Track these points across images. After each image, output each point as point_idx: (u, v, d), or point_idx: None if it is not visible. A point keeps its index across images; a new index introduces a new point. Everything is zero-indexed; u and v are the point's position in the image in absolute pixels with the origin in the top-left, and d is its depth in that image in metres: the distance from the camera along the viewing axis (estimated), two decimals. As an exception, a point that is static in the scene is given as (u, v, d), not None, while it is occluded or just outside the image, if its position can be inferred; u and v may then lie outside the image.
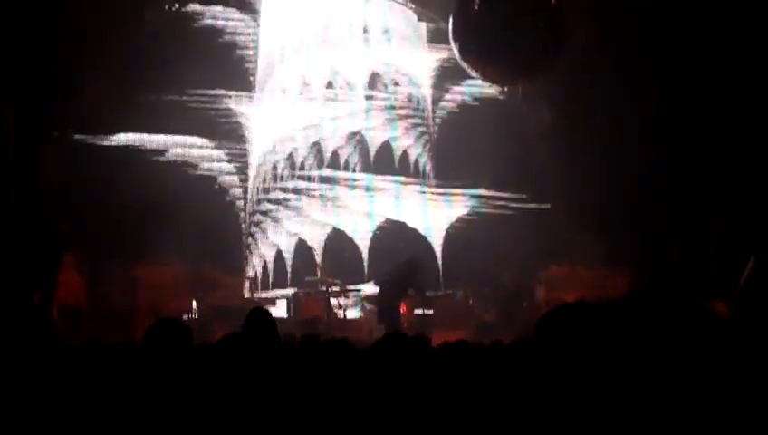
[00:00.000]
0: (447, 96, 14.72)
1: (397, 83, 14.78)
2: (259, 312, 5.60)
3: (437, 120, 14.72)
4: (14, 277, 9.58)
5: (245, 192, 14.11)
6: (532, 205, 14.05)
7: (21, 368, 3.21)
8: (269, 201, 14.26)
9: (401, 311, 11.56)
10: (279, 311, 12.63)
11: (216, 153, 13.94)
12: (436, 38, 14.42)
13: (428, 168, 14.62)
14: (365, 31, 14.73)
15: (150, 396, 3.37)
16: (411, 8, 14.77)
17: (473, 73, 11.78)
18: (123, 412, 3.20)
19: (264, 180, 14.27)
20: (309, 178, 14.42)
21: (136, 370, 3.63)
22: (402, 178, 14.53)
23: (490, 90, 14.23)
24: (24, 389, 3.13)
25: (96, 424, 3.10)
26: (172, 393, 3.44)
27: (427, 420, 3.27)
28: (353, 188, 14.48)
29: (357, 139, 14.60)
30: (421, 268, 11.65)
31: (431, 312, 12.70)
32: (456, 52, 11.41)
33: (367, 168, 14.55)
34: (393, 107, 14.74)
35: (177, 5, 13.84)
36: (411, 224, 14.37)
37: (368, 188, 14.49)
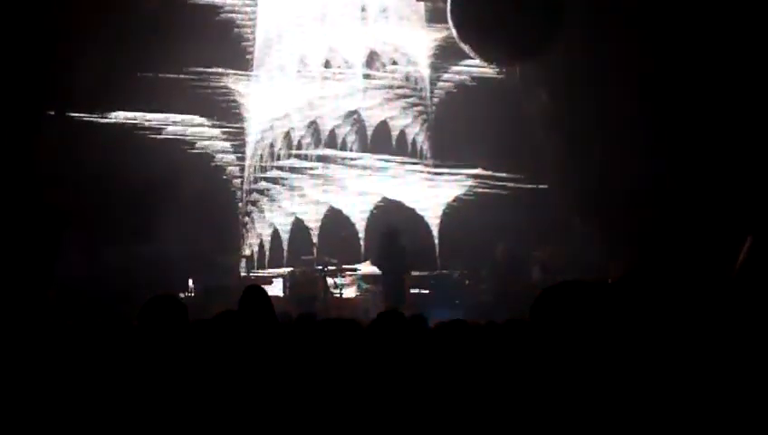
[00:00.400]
0: (445, 76, 14.68)
1: (395, 63, 14.73)
2: (254, 289, 5.61)
3: (435, 100, 14.69)
4: (12, 257, 9.58)
5: (242, 171, 14.10)
6: (529, 185, 14.04)
7: (17, 344, 3.22)
8: (266, 180, 14.25)
9: (406, 284, 11.66)
10: (275, 290, 12.65)
11: (213, 131, 13.92)
12: (435, 17, 14.37)
13: (426, 147, 14.60)
14: (363, 10, 14.67)
15: (146, 372, 3.38)
16: (409, -13, 14.72)
17: (471, 54, 11.75)
18: (120, 389, 3.21)
19: (261, 159, 14.25)
20: (306, 157, 14.40)
21: (131, 347, 3.64)
22: (399, 158, 14.52)
23: (488, 70, 14.19)
24: (21, 364, 3.14)
25: (92, 400, 3.11)
26: (167, 370, 3.45)
27: (424, 396, 3.28)
28: (350, 167, 14.47)
29: (354, 118, 14.57)
30: (398, 234, 11.69)
31: (427, 291, 12.74)
32: (454, 32, 11.38)
33: (364, 147, 14.53)
34: (391, 86, 14.70)
35: (174, -17, 13.76)
36: (408, 203, 14.37)
37: (365, 168, 14.47)
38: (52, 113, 12.63)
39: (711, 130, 11.63)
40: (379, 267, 11.85)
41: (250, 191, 14.14)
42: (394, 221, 12.57)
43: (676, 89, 11.77)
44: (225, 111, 13.97)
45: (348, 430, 3.08)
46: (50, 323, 3.82)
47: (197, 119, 13.82)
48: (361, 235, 14.09)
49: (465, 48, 11.55)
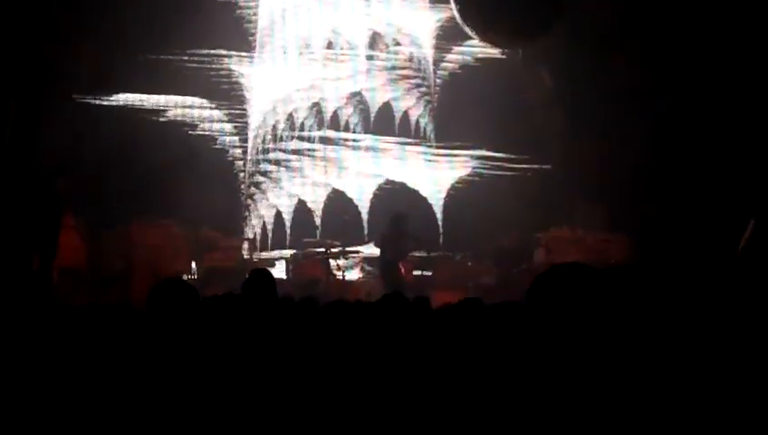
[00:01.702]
0: (449, 56, 14.61)
1: (398, 43, 14.66)
2: (260, 273, 5.61)
3: (439, 81, 14.63)
4: (13, 238, 9.58)
5: (245, 153, 14.07)
6: (534, 166, 14.01)
7: (20, 329, 3.21)
8: (269, 162, 14.22)
9: (401, 271, 11.59)
10: (278, 272, 12.64)
11: (215, 114, 13.88)
12: (438, -3, 14.31)
13: (429, 128, 14.56)
14: (365, -10, 14.59)
15: (153, 357, 3.37)
16: (413, -33, 14.62)
17: (473, 36, 11.70)
18: (123, 373, 3.20)
19: (264, 141, 14.22)
20: (309, 139, 14.36)
21: (136, 330, 3.64)
22: (403, 139, 14.48)
23: (492, 50, 14.12)
24: (24, 349, 3.13)
25: (96, 384, 3.11)
26: (173, 354, 3.44)
27: (425, 378, 3.28)
28: (354, 149, 14.43)
29: (357, 99, 14.52)
30: (407, 220, 11.64)
31: (430, 273, 12.74)
32: (456, 14, 11.32)
33: (367, 128, 14.48)
34: (394, 67, 14.64)
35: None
36: (412, 185, 14.34)
37: (368, 149, 14.43)
38: (57, 95, 12.58)
39: (716, 108, 11.57)
40: (380, 249, 11.84)
41: (252, 173, 14.11)
42: (401, 206, 12.52)
43: (683, 68, 11.71)
44: (227, 93, 13.92)
45: (350, 413, 3.08)
46: (56, 306, 3.81)
47: (200, 101, 13.78)
48: (365, 217, 14.08)
49: (467, 29, 11.49)
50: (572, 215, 13.25)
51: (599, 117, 12.71)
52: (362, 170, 14.31)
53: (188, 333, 3.66)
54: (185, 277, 11.56)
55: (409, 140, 14.48)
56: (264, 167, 14.18)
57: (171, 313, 3.68)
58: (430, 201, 14.31)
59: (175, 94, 13.59)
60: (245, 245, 13.55)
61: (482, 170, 14.30)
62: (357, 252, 13.17)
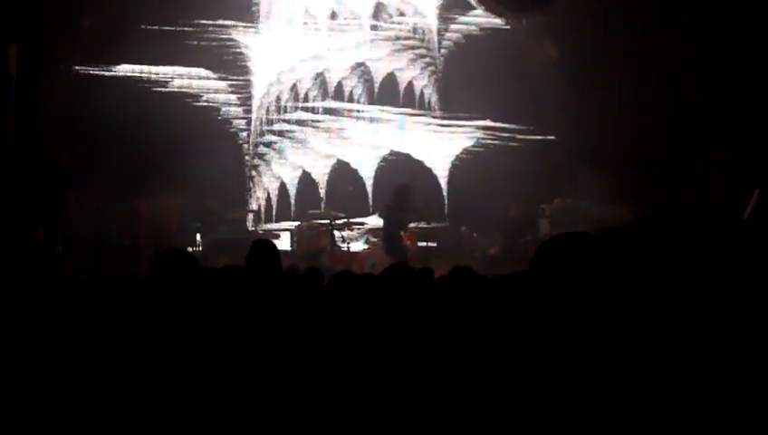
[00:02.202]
0: (453, 26, 14.50)
1: (402, 13, 14.55)
2: (263, 243, 5.58)
3: (443, 51, 14.53)
4: (17, 212, 9.58)
5: (249, 124, 14.03)
6: (538, 137, 13.96)
7: (29, 303, 3.21)
8: (273, 133, 14.18)
9: (404, 242, 11.58)
10: (282, 244, 12.63)
11: (219, 84, 13.82)
12: (442, -33, 14.19)
13: (434, 99, 14.49)
14: (369, -40, 14.47)
15: (156, 326, 3.37)
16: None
17: (477, 5, 11.62)
18: (128, 345, 3.21)
19: (268, 112, 14.17)
20: (313, 110, 14.31)
21: (141, 301, 3.65)
22: (407, 110, 14.42)
23: (496, 20, 14.01)
24: (33, 324, 3.13)
25: (101, 356, 3.11)
26: (176, 323, 3.44)
27: (430, 349, 3.27)
28: (358, 119, 14.38)
29: (361, 70, 14.45)
30: (411, 192, 11.60)
31: (434, 244, 12.74)
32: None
33: (371, 99, 14.43)
34: (398, 38, 14.54)
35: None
36: (416, 156, 14.30)
37: (372, 120, 14.38)
38: (61, 67, 12.53)
39: (719, 80, 11.49)
40: (383, 220, 11.82)
41: (257, 144, 14.08)
42: (406, 177, 12.47)
43: (685, 37, 11.60)
44: (230, 64, 13.85)
45: (354, 388, 3.08)
46: (61, 278, 3.81)
47: (203, 72, 13.72)
48: (369, 188, 14.06)
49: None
50: (577, 186, 13.22)
51: (603, 87, 12.63)
52: (367, 141, 14.27)
53: (190, 303, 3.67)
54: (190, 250, 11.57)
55: (414, 111, 14.42)
56: (268, 138, 14.15)
57: (172, 282, 3.70)
58: (435, 172, 14.28)
59: (178, 65, 13.52)
60: (250, 216, 13.55)
61: (486, 141, 14.25)
62: (362, 223, 13.15)
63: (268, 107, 14.17)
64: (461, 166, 14.24)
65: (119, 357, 3.11)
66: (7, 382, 2.67)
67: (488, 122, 14.19)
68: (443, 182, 14.25)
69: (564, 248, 2.37)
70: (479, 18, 14.21)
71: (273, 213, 13.95)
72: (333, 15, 14.37)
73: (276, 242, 12.17)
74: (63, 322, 3.29)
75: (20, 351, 2.91)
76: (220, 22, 13.70)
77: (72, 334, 3.21)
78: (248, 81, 14.00)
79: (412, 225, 11.93)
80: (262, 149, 14.10)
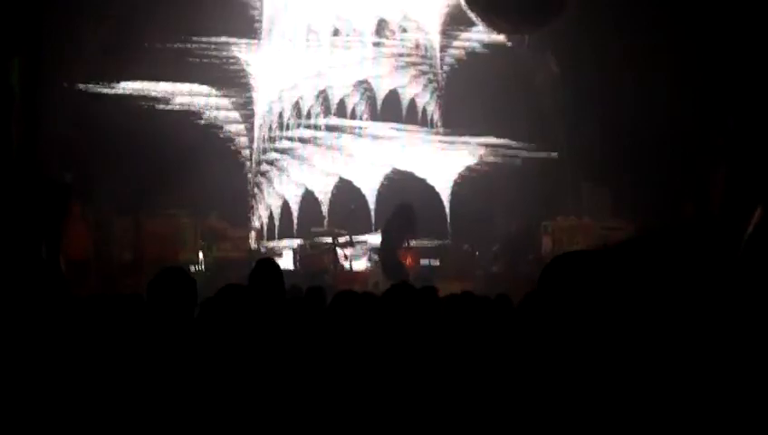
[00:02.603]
0: (456, 43, 14.51)
1: (404, 30, 14.56)
2: (266, 263, 5.56)
3: (446, 68, 14.54)
4: (19, 229, 9.54)
5: (251, 141, 14.02)
6: (542, 154, 13.94)
7: (34, 320, 3.18)
8: (275, 150, 14.17)
9: (405, 261, 11.56)
10: (285, 262, 12.61)
11: (221, 101, 13.81)
12: (444, -17, 14.21)
13: (436, 116, 14.48)
14: (372, -24, 14.49)
15: (155, 346, 3.35)
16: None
17: (478, 22, 11.63)
18: (129, 361, 3.18)
19: (270, 129, 14.17)
20: (315, 127, 14.31)
21: (142, 320, 3.63)
22: (410, 127, 14.40)
23: (499, 37, 14.02)
24: (37, 340, 3.10)
25: (102, 373, 3.08)
26: (177, 343, 3.42)
27: (434, 368, 3.24)
28: (360, 136, 14.37)
29: (364, 87, 14.45)
30: (413, 214, 11.59)
31: (437, 263, 12.70)
32: (462, 0, 11.26)
33: (374, 116, 14.42)
34: (401, 54, 14.55)
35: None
36: (419, 174, 14.27)
37: (375, 137, 14.37)
38: (65, 84, 12.53)
39: (721, 98, 11.48)
40: (381, 238, 11.80)
41: (259, 162, 14.07)
42: (409, 195, 12.47)
43: (688, 50, 11.59)
44: (232, 81, 13.85)
45: (356, 405, 3.04)
46: (65, 295, 3.79)
47: (205, 89, 13.71)
48: (372, 206, 14.03)
49: (473, 15, 11.42)
50: (579, 202, 13.21)
51: (605, 104, 12.63)
52: (369, 159, 14.25)
53: (186, 322, 3.66)
54: (192, 268, 11.53)
55: (417, 128, 14.41)
56: (270, 155, 14.14)
57: (169, 302, 3.70)
58: (438, 190, 14.25)
59: (180, 82, 13.52)
60: (253, 234, 13.51)
61: (489, 158, 14.23)
62: (364, 241, 13.12)
63: (270, 124, 14.16)
64: (463, 183, 14.21)
65: (119, 377, 3.08)
66: (10, 396, 2.64)
67: (491, 139, 14.17)
68: (445, 200, 14.22)
69: (568, 268, 2.34)
70: (481, 35, 14.20)
71: (276, 231, 13.92)
72: (336, 32, 14.38)
73: (279, 260, 12.21)
74: (67, 339, 3.27)
75: (23, 367, 2.87)
76: (222, 39, 13.70)
77: (75, 352, 3.18)
78: (250, 98, 14.00)
79: (413, 243, 11.91)
80: (264, 166, 14.08)
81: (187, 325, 3.76)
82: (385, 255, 11.43)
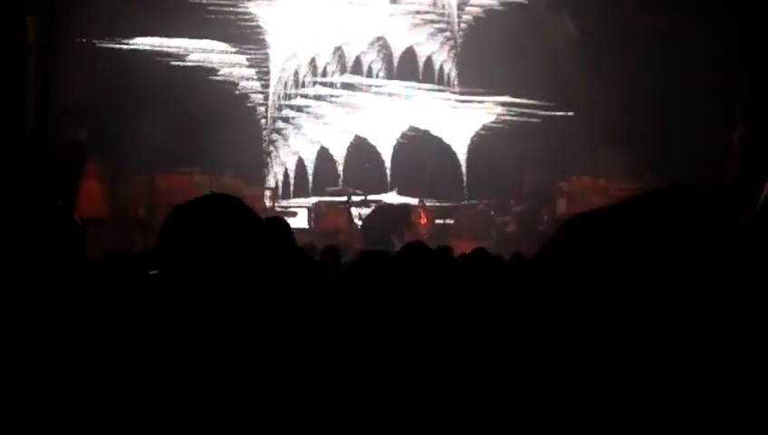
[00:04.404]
0: (473, 0, 14.32)
1: (422, -14, 14.38)
2: (274, 221, 5.54)
3: (463, 26, 14.37)
4: (35, 187, 9.58)
5: (266, 98, 13.95)
6: (557, 113, 13.82)
7: (49, 275, 3.17)
8: (290, 108, 14.10)
9: (419, 221, 11.63)
10: (300, 221, 12.60)
11: (236, 58, 13.73)
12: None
13: (453, 74, 14.36)
14: (389, -68, 14.29)
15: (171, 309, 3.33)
16: None
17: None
18: (143, 325, 3.16)
19: (286, 86, 14.09)
20: (331, 85, 14.22)
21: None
22: (426, 85, 14.29)
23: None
24: (52, 301, 3.09)
25: (117, 338, 3.07)
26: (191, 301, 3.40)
27: (447, 330, 3.23)
28: (376, 94, 14.27)
29: (380, 44, 14.31)
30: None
31: (452, 222, 12.67)
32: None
33: (390, 74, 14.31)
34: (418, 12, 14.39)
35: None
36: (435, 132, 14.19)
37: (391, 95, 14.27)
38: (81, 41, 12.47)
39: (739, 61, 11.31)
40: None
41: (274, 119, 14.01)
42: (425, 153, 12.48)
43: (706, 15, 11.40)
44: (248, 38, 13.75)
45: (367, 366, 3.03)
46: (81, 251, 3.78)
47: (221, 45, 13.62)
48: (387, 165, 13.97)
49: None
50: (595, 162, 13.13)
51: (623, 64, 12.48)
52: (385, 117, 14.17)
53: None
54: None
55: (433, 86, 14.30)
56: (286, 113, 14.08)
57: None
58: (454, 149, 14.17)
59: (195, 38, 13.43)
60: (267, 193, 13.49)
61: (506, 117, 14.12)
62: (379, 200, 13.09)
63: (286, 81, 14.08)
64: (480, 142, 14.13)
65: (126, 350, 3.07)
66: (18, 367, 2.63)
67: (507, 98, 14.05)
68: (462, 159, 14.15)
69: (593, 228, 2.33)
70: (499, -8, 14.02)
71: (291, 189, 13.90)
72: (352, -12, 14.22)
73: (293, 219, 12.21)
74: (81, 299, 3.25)
75: (32, 338, 2.86)
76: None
77: (88, 314, 3.17)
78: (266, 54, 13.90)
79: (429, 203, 11.91)
80: (279, 124, 14.03)
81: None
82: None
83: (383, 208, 11.70)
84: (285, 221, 5.67)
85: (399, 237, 11.24)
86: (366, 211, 12.51)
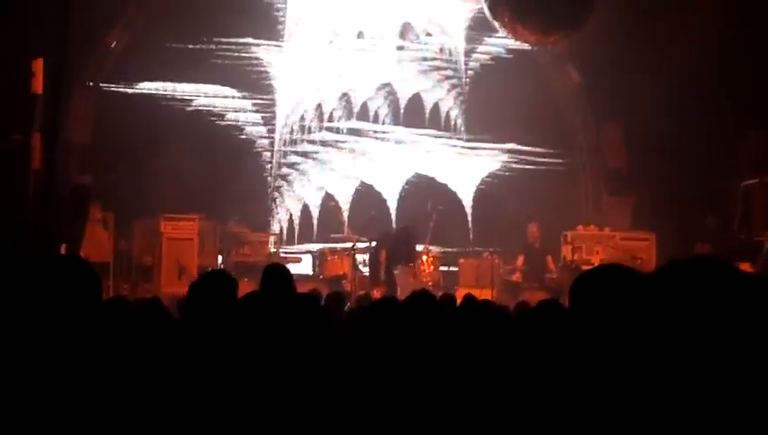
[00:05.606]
0: (480, 48, 14.40)
1: (429, 34, 14.47)
2: (275, 268, 5.54)
3: (470, 73, 14.43)
4: (40, 232, 9.53)
5: (272, 144, 13.96)
6: (563, 160, 13.81)
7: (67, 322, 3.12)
8: (296, 153, 14.10)
9: (421, 269, 11.63)
10: (304, 268, 12.54)
11: (242, 103, 13.77)
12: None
13: (459, 121, 14.38)
14: (396, -20, 14.41)
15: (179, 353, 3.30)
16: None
17: (500, 30, 11.56)
18: (145, 369, 3.11)
19: (292, 132, 14.11)
20: (337, 131, 14.24)
21: (160, 325, 3.57)
22: (432, 132, 14.30)
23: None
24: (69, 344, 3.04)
25: (121, 382, 3.01)
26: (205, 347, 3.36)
27: (453, 378, 3.17)
28: (382, 140, 14.28)
29: (387, 90, 14.36)
30: (414, 240, 11.65)
31: (456, 269, 12.60)
32: (485, 8, 11.17)
33: (396, 120, 14.33)
34: (425, 58, 14.45)
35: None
36: (441, 179, 14.16)
37: (397, 142, 14.28)
38: (90, 84, 12.54)
39: (743, 105, 11.31)
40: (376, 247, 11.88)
41: (280, 165, 14.01)
42: (431, 200, 12.51)
43: (708, 66, 11.42)
44: (255, 83, 13.79)
45: (365, 411, 2.96)
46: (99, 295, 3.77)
47: (227, 90, 13.67)
48: (392, 211, 13.93)
49: (497, 25, 11.35)
50: (599, 212, 13.13)
51: (626, 112, 12.53)
52: (391, 163, 14.16)
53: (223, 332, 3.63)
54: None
55: (439, 133, 14.30)
56: (291, 158, 14.08)
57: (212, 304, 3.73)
58: (460, 196, 14.14)
59: (202, 83, 13.49)
60: (272, 239, 13.42)
61: (512, 164, 14.11)
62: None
63: (292, 127, 14.11)
64: (486, 190, 14.09)
65: (137, 386, 3.02)
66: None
67: (513, 145, 14.05)
68: (467, 206, 14.11)
69: (610, 283, 2.31)
70: (506, 39, 14.07)
71: (296, 235, 13.84)
72: (360, 35, 14.31)
73: (298, 266, 12.15)
74: (89, 344, 3.20)
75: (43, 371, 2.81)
76: (245, 40, 13.65)
77: (96, 356, 3.12)
78: (272, 100, 13.95)
79: (434, 249, 11.86)
80: (285, 169, 14.02)
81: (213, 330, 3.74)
82: (373, 265, 11.69)
83: (384, 239, 11.76)
84: (286, 268, 5.65)
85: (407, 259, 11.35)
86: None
